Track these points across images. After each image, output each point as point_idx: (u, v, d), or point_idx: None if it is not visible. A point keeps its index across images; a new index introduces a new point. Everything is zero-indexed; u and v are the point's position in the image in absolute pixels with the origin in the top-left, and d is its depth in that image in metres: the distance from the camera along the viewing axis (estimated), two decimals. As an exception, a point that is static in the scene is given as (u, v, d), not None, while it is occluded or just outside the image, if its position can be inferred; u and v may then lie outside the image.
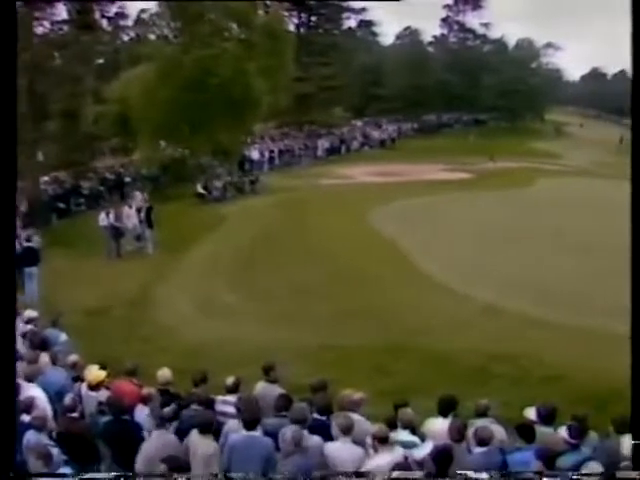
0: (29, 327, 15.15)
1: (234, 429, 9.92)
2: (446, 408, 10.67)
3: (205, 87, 44.43)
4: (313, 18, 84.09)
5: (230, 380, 11.81)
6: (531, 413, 10.60)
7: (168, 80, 44.21)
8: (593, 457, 9.16)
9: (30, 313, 16.07)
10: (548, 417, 10.37)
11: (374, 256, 31.09)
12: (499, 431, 10.53)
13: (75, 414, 10.61)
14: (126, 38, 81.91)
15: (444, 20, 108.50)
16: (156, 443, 9.71)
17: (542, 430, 10.00)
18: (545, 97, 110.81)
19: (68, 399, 10.65)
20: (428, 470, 8.93)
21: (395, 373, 18.67)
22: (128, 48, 72.07)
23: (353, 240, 33.69)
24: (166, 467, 8.51)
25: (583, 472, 8.55)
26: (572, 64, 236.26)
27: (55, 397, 11.54)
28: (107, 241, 32.28)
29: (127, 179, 47.48)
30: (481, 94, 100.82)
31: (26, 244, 25.35)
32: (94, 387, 11.71)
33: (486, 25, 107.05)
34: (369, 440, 9.63)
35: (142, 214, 33.14)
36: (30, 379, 11.82)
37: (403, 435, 9.97)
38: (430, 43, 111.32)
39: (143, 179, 47.92)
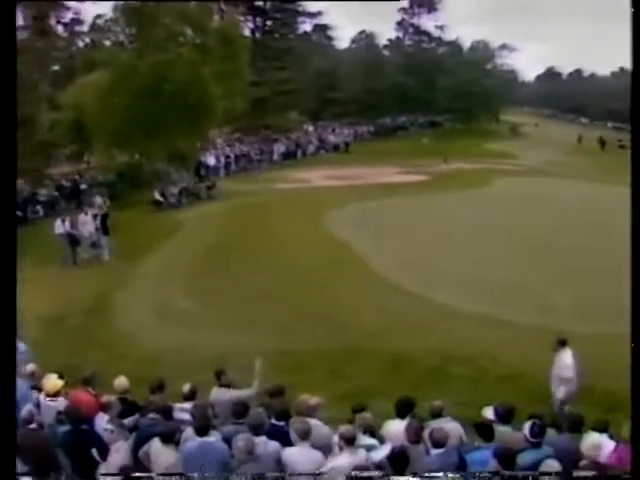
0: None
1: (191, 436, 9.87)
2: (404, 410, 10.82)
3: (160, 93, 44.22)
4: (268, 22, 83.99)
5: (186, 387, 11.95)
6: (489, 412, 10.74)
7: (123, 86, 44.03)
8: (552, 455, 9.30)
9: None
10: (506, 416, 10.54)
11: (330, 260, 31.15)
12: (456, 428, 10.80)
13: (33, 425, 10.57)
14: (81, 44, 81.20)
15: (399, 23, 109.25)
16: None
17: (501, 429, 10.18)
18: (500, 98, 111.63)
19: (25, 411, 10.51)
20: (386, 472, 8.91)
21: (353, 376, 18.77)
22: (83, 54, 71.49)
23: (309, 244, 33.73)
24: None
25: (541, 471, 8.67)
26: (527, 64, 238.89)
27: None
28: (63, 249, 32.16)
29: (83, 186, 47.08)
30: (436, 96, 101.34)
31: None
32: (52, 396, 11.68)
33: (441, 27, 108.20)
34: (335, 439, 9.66)
35: (98, 221, 33.08)
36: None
37: (361, 438, 9.90)
38: (385, 46, 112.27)
39: (99, 186, 47.65)
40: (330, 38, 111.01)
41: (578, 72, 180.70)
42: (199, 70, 45.97)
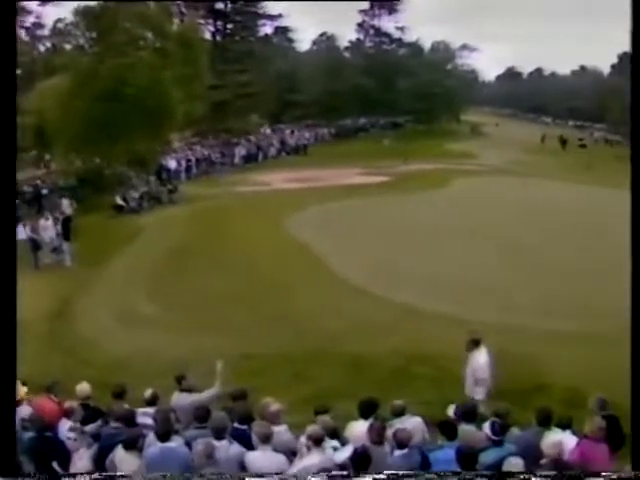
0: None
1: (154, 442, 9.84)
2: (367, 411, 10.90)
3: (120, 97, 44.09)
4: (229, 25, 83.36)
5: (148, 393, 12.00)
6: (452, 411, 10.93)
7: (83, 90, 43.83)
8: (515, 453, 9.43)
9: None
10: (469, 414, 10.68)
11: (292, 262, 31.29)
12: (418, 425, 11.03)
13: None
14: (43, 48, 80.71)
15: (360, 25, 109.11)
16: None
17: (463, 428, 10.27)
18: (461, 98, 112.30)
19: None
20: (349, 473, 8.91)
21: (316, 379, 18.86)
22: (45, 58, 71.03)
23: (271, 247, 33.79)
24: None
25: (504, 469, 8.79)
26: (488, 65, 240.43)
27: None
28: (24, 254, 32.02)
29: (44, 191, 46.77)
30: (397, 97, 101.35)
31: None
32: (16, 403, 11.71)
33: (402, 29, 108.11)
34: (299, 443, 9.85)
35: (59, 226, 33.03)
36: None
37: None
38: (346, 48, 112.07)
39: (60, 191, 47.38)
40: (291, 40, 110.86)
41: (538, 71, 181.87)
42: (159, 74, 45.98)
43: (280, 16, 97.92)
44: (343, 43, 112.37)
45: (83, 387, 11.95)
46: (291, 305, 25.55)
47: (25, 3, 64.75)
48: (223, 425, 9.89)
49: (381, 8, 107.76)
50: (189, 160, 62.73)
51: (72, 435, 10.51)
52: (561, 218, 39.73)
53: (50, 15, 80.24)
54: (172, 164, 59.17)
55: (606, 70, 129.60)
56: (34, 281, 29.49)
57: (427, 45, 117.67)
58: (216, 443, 9.43)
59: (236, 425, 10.37)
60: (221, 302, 25.88)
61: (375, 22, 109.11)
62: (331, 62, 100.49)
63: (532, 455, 9.41)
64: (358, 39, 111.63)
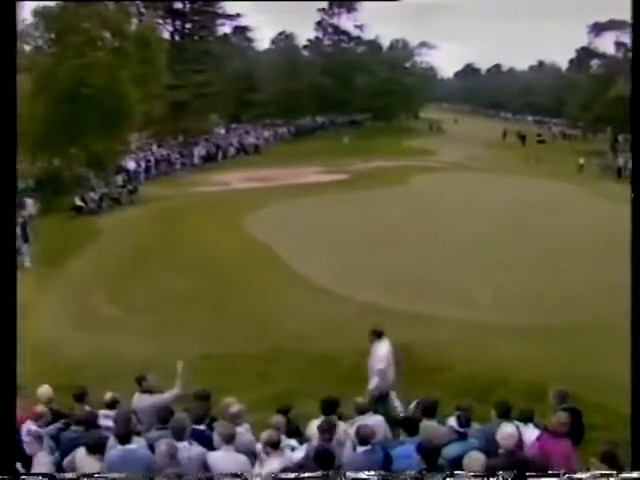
0: None
1: (115, 444, 9.73)
2: (328, 409, 10.92)
3: (79, 98, 43.97)
4: (187, 25, 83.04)
5: (108, 395, 12.00)
6: (412, 407, 11.07)
7: (43, 92, 43.61)
8: (477, 447, 9.41)
9: None
10: (429, 410, 10.71)
11: (252, 262, 31.35)
12: (380, 423, 11.11)
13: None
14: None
15: (319, 23, 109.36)
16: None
17: (425, 423, 10.32)
18: (420, 95, 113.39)
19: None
20: (309, 472, 8.78)
21: (278, 378, 18.94)
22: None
23: (231, 247, 33.84)
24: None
25: (465, 462, 8.64)
26: (446, 61, 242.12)
27: None
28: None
29: (4, 192, 46.28)
30: (356, 96, 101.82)
31: None
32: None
33: (360, 27, 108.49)
34: (259, 447, 9.80)
35: (18, 228, 32.84)
36: None
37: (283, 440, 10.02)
38: (305, 47, 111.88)
39: (20, 193, 47.03)
40: (249, 40, 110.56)
41: (497, 67, 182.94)
42: (117, 74, 45.85)
43: (238, 16, 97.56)
44: (302, 42, 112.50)
45: (45, 390, 11.80)
46: (252, 305, 25.61)
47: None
48: (183, 426, 9.86)
49: (340, 7, 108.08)
50: (148, 160, 62.58)
51: (27, 439, 10.48)
52: (517, 213, 40.20)
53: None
54: (131, 165, 58.93)
55: (564, 65, 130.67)
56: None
57: (386, 43, 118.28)
58: (178, 444, 9.43)
59: (194, 426, 10.26)
60: (182, 303, 25.84)
61: (334, 21, 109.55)
62: (290, 61, 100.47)
63: (492, 449, 9.41)
64: (317, 38, 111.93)
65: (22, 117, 43.20)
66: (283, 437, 10.21)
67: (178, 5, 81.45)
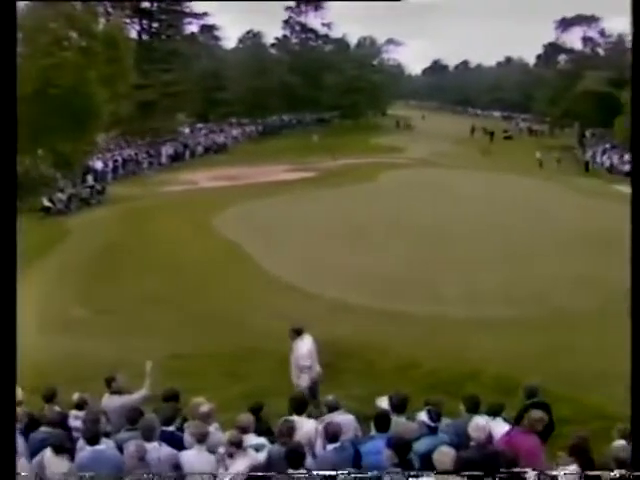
0: None
1: (84, 445, 9.72)
2: (298, 407, 10.94)
3: (46, 97, 43.61)
4: (155, 24, 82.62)
5: (76, 396, 11.91)
6: (383, 403, 10.94)
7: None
8: (447, 441, 9.43)
9: None
10: (399, 406, 10.67)
11: (221, 261, 31.35)
12: (349, 418, 11.06)
13: None
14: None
15: (286, 22, 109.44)
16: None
17: (395, 419, 10.26)
18: (387, 92, 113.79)
19: None
20: (277, 470, 8.89)
21: (248, 377, 18.95)
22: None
23: (199, 246, 33.78)
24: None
25: (434, 457, 8.60)
26: (414, 59, 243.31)
27: None
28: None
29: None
30: (324, 94, 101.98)
31: None
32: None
33: (328, 25, 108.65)
34: (222, 450, 9.68)
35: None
36: None
37: (251, 439, 9.99)
38: (272, 45, 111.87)
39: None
40: (217, 38, 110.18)
41: (464, 64, 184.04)
42: (84, 74, 45.53)
43: (206, 14, 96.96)
44: (269, 40, 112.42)
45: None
46: (221, 304, 25.61)
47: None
48: (152, 427, 9.81)
49: (307, 5, 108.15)
50: (116, 160, 62.33)
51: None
52: (486, 208, 40.43)
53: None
54: (99, 165, 58.67)
55: (532, 61, 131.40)
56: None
57: (353, 41, 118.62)
58: (147, 445, 9.40)
59: (164, 428, 10.19)
60: (150, 303, 25.75)
61: (301, 19, 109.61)
62: (257, 60, 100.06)
63: (462, 443, 9.46)
64: (285, 36, 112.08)
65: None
66: (253, 436, 10.16)
67: (145, 4, 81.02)
